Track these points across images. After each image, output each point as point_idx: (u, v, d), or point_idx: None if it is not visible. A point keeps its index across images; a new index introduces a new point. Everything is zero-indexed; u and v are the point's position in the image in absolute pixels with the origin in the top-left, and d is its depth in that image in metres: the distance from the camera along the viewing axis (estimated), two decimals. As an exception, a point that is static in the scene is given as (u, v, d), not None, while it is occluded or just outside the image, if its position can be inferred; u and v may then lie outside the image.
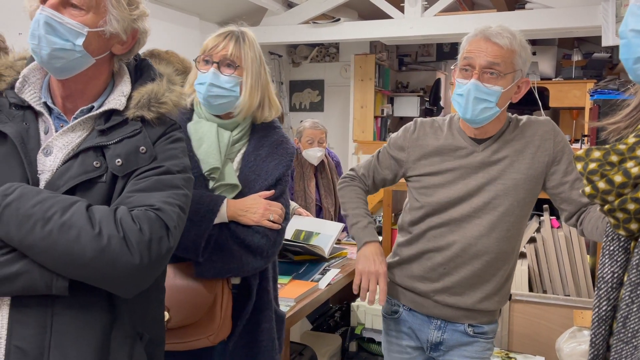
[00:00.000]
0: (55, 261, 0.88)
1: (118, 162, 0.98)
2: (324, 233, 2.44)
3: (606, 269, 0.71)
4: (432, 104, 6.34)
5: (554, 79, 5.05)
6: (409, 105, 6.33)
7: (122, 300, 0.97)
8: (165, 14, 4.38)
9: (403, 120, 6.40)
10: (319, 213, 3.05)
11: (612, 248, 0.71)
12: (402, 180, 1.70)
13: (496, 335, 2.34)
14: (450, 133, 1.57)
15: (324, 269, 2.30)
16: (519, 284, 2.42)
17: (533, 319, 2.39)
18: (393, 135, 1.69)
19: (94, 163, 0.97)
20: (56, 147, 0.99)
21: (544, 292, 2.44)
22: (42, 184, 0.96)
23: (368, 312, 2.60)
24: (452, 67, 1.54)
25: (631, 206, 0.65)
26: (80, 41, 0.97)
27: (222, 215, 1.39)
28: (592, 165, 0.69)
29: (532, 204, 1.56)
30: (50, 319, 0.92)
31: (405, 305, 1.64)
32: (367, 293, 1.53)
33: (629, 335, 0.65)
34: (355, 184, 1.71)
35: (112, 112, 1.03)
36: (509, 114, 1.58)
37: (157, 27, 4.55)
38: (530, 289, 2.46)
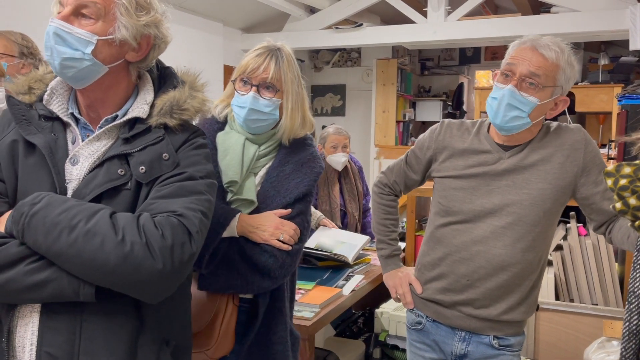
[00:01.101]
0: (81, 268, 0.90)
1: (142, 169, 0.99)
2: (349, 242, 2.45)
3: (637, 283, 0.70)
4: (455, 108, 6.30)
5: (580, 83, 4.97)
6: (431, 110, 6.30)
7: (148, 307, 0.98)
8: (189, 20, 4.44)
9: (425, 124, 6.37)
10: (344, 218, 3.06)
11: None
12: (426, 185, 1.70)
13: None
14: (477, 137, 1.55)
15: (347, 275, 2.30)
16: (545, 293, 2.39)
17: (560, 328, 2.35)
18: (420, 136, 1.69)
19: (119, 171, 0.98)
20: (82, 156, 1.01)
21: (571, 300, 2.40)
22: (69, 193, 0.98)
23: (392, 319, 2.58)
24: (494, 71, 1.52)
25: None
26: (89, 50, 0.98)
27: (232, 230, 1.37)
28: (623, 182, 0.68)
29: (558, 213, 1.52)
30: (79, 326, 0.94)
31: (429, 316, 1.62)
32: (404, 292, 1.68)
33: None
34: (386, 196, 1.75)
35: (135, 121, 1.04)
36: (548, 120, 1.54)
37: (181, 33, 4.64)
38: (557, 298, 2.42)
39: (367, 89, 6.10)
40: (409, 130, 6.26)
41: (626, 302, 0.71)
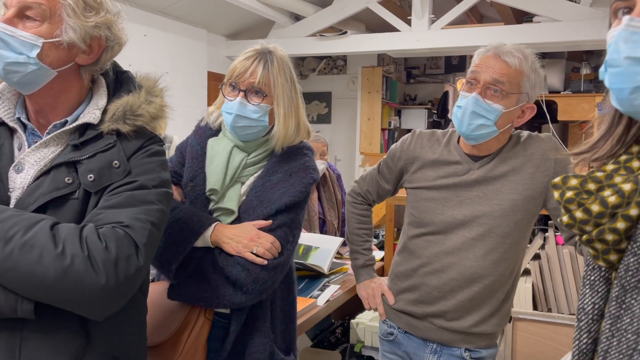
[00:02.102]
0: (18, 283, 0.85)
1: (90, 177, 0.95)
2: (323, 247, 2.41)
3: (587, 300, 0.67)
4: (440, 116, 6.31)
5: (562, 92, 5.00)
6: (416, 118, 6.31)
7: (96, 323, 0.93)
8: (172, 26, 4.41)
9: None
10: (323, 226, 3.02)
11: (592, 278, 0.68)
12: (405, 194, 1.67)
13: (499, 355, 2.29)
14: (447, 148, 1.53)
15: (323, 285, 2.27)
16: (522, 302, 2.37)
17: (537, 338, 2.33)
18: (392, 146, 1.67)
19: (66, 179, 0.94)
20: (28, 163, 0.96)
21: (549, 310, 2.38)
22: (12, 202, 0.94)
23: (367, 329, 2.55)
24: (456, 79, 1.51)
25: (609, 237, 0.62)
26: (34, 53, 0.93)
27: (206, 240, 1.31)
28: (569, 194, 0.65)
29: (530, 224, 1.50)
30: (18, 344, 0.89)
31: (401, 327, 1.60)
32: (376, 304, 1.66)
33: None
34: (359, 205, 1.75)
35: (87, 127, 1.00)
36: (518, 130, 1.53)
37: (164, 39, 4.60)
38: (535, 307, 2.40)
39: (353, 96, 6.10)
40: (394, 138, 6.25)
41: (576, 320, 0.69)
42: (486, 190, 1.46)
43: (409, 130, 7.17)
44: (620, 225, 0.61)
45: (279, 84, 1.34)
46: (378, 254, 2.73)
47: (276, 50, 1.38)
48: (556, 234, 2.42)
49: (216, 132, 1.45)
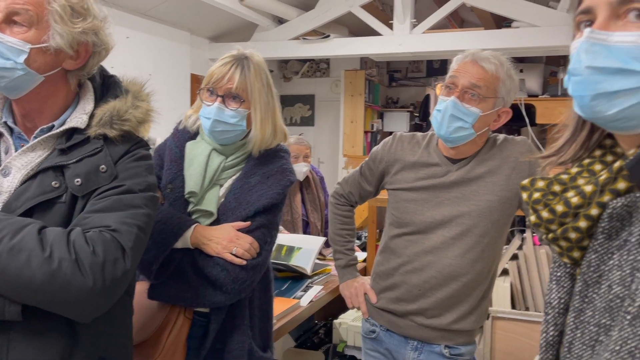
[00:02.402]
0: (6, 286, 0.86)
1: (77, 181, 0.96)
2: (306, 248, 2.44)
3: (553, 295, 0.71)
4: (422, 119, 6.38)
5: (540, 96, 5.09)
6: (398, 121, 6.37)
7: (83, 325, 0.95)
8: (155, 28, 4.40)
9: (393, 135, 6.43)
10: (306, 228, 3.05)
11: (558, 274, 0.72)
12: (386, 196, 1.72)
13: (479, 353, 2.34)
14: (427, 150, 1.58)
15: (306, 286, 2.30)
16: (501, 301, 2.43)
17: (515, 337, 2.38)
18: (374, 148, 1.71)
19: (53, 183, 0.95)
20: (15, 167, 0.97)
21: (527, 309, 2.44)
22: None
23: (350, 329, 2.59)
24: (435, 84, 1.56)
25: (572, 235, 0.66)
26: (22, 59, 0.94)
27: (186, 241, 1.34)
28: (536, 195, 0.69)
29: (507, 225, 1.56)
30: (6, 346, 0.90)
31: (383, 325, 1.64)
32: (359, 302, 1.69)
33: (574, 359, 0.66)
34: (342, 206, 1.78)
35: (73, 131, 1.01)
36: (495, 134, 1.59)
37: (146, 41, 4.58)
38: (513, 306, 2.46)
39: (336, 99, 6.14)
40: (377, 140, 6.31)
41: (543, 314, 0.73)
42: (464, 191, 1.50)
43: (391, 133, 7.22)
44: (582, 224, 0.65)
45: (255, 89, 1.38)
46: (361, 255, 2.77)
47: (253, 56, 1.41)
48: (533, 234, 2.48)
49: (194, 135, 1.48)
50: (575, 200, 0.65)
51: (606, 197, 0.63)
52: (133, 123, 1.04)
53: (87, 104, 1.04)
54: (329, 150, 6.21)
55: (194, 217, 1.40)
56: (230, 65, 1.38)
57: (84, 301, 0.88)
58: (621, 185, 0.63)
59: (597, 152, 0.70)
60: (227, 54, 1.42)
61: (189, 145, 1.45)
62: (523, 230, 2.56)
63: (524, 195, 0.71)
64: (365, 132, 6.02)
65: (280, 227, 2.71)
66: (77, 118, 1.02)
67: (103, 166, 0.98)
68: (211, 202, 1.39)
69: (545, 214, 0.68)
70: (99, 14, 1.03)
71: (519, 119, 4.34)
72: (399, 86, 6.81)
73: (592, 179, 0.66)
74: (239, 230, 1.36)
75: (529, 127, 4.48)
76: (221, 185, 1.43)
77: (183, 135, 1.48)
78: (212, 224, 1.39)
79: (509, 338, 2.39)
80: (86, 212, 0.95)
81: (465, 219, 1.49)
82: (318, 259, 2.54)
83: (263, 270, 1.42)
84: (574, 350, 0.66)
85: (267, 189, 1.39)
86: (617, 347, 0.57)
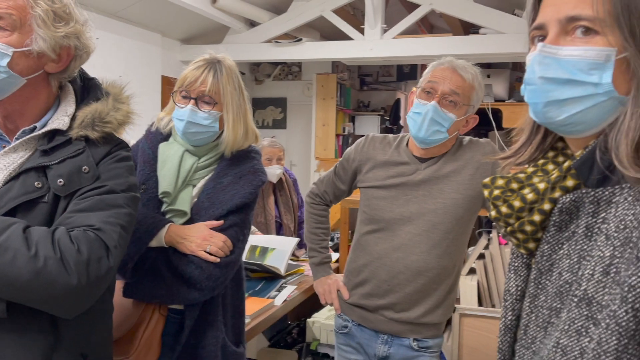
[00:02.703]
0: None
1: (60, 182, 0.97)
2: (279, 249, 2.48)
3: (511, 283, 0.78)
4: (392, 123, 6.49)
5: (507, 101, 5.25)
6: (369, 124, 6.46)
7: (65, 321, 0.96)
8: (125, 30, 4.37)
9: (364, 138, 6.51)
10: (279, 229, 3.09)
11: (516, 264, 0.79)
12: (358, 197, 1.78)
13: (447, 349, 2.41)
14: (397, 150, 1.65)
15: (280, 286, 2.34)
16: (468, 299, 2.51)
17: (482, 333, 2.47)
18: (347, 149, 1.78)
19: (35, 183, 0.97)
20: None
21: (493, 306, 2.52)
22: None
23: (323, 327, 2.63)
24: (413, 89, 1.62)
25: (528, 228, 0.73)
26: (5, 62, 0.95)
27: (160, 240, 1.37)
28: (496, 192, 0.76)
29: (471, 222, 1.64)
30: None
31: (355, 320, 1.70)
32: (332, 299, 1.73)
33: (529, 341, 0.72)
34: (317, 205, 1.84)
35: (55, 132, 1.03)
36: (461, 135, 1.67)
37: (117, 43, 4.54)
38: (480, 304, 2.54)
39: (308, 102, 6.19)
40: (349, 143, 6.38)
41: (502, 301, 0.80)
42: (431, 189, 1.58)
43: (362, 136, 7.27)
44: (537, 217, 0.72)
45: (228, 92, 1.43)
46: (333, 256, 2.82)
47: (225, 60, 1.46)
48: (499, 234, 2.57)
49: (167, 137, 1.51)
50: (530, 196, 0.72)
51: (557, 194, 0.70)
52: (114, 125, 1.07)
53: (68, 106, 1.06)
54: (301, 153, 6.26)
55: (167, 216, 1.43)
56: (203, 68, 1.42)
57: (68, 298, 0.90)
58: (570, 182, 0.69)
59: (550, 154, 0.77)
60: (200, 58, 1.46)
61: (162, 146, 1.48)
62: (489, 231, 2.65)
63: (486, 192, 0.78)
64: (337, 135, 6.09)
65: (254, 229, 2.75)
66: (59, 120, 1.03)
67: (85, 167, 1.01)
68: (184, 201, 1.43)
69: (504, 209, 0.74)
70: (80, 18, 1.05)
71: (486, 123, 4.47)
72: (370, 90, 6.91)
73: (545, 177, 0.73)
74: (212, 229, 1.40)
75: (495, 131, 4.62)
76: (194, 186, 1.46)
77: (156, 137, 1.51)
78: (185, 223, 1.43)
79: (476, 334, 2.48)
80: (69, 211, 0.97)
81: (432, 215, 1.57)
82: (291, 259, 2.58)
83: (236, 268, 1.47)
84: (529, 332, 0.72)
85: (240, 188, 1.43)
86: (566, 327, 0.64)
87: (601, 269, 0.62)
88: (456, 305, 2.43)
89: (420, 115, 1.52)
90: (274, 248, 2.47)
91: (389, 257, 1.60)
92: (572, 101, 0.67)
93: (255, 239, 2.55)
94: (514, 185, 0.75)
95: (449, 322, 1.89)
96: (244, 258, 2.39)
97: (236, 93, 1.45)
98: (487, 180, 0.79)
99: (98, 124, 1.04)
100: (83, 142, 1.03)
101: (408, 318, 1.61)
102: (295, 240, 2.55)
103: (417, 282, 1.58)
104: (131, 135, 2.12)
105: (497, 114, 4.95)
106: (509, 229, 0.75)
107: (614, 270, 0.60)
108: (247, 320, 1.91)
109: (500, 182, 0.77)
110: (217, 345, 1.44)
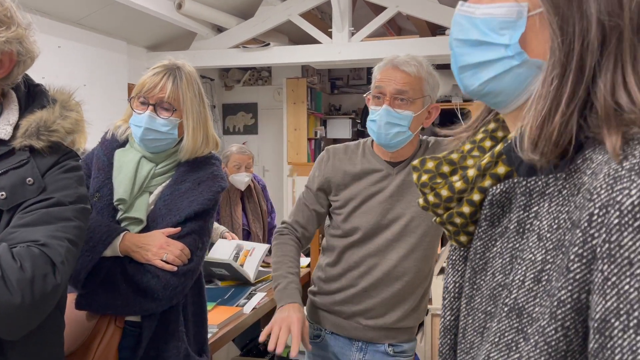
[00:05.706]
0: None
1: (2, 195, 0.93)
2: (250, 254, 2.45)
3: (449, 279, 0.70)
4: (363, 125, 6.50)
5: (475, 100, 5.30)
6: (341, 127, 6.46)
7: (11, 343, 0.92)
8: (90, 38, 4.28)
9: (337, 141, 6.51)
10: (248, 238, 3.04)
11: (454, 258, 0.70)
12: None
13: (420, 350, 2.41)
14: (365, 158, 1.61)
15: (249, 294, 2.30)
16: (440, 299, 2.51)
17: (455, 333, 2.47)
18: (310, 173, 1.70)
19: None
20: None
21: (465, 306, 2.54)
22: None
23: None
24: (364, 96, 1.60)
25: (457, 220, 0.65)
26: None
27: (115, 249, 1.33)
28: (424, 177, 0.68)
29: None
30: None
31: (328, 329, 1.66)
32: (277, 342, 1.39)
33: (468, 345, 0.65)
34: (284, 237, 1.66)
35: None
36: (425, 136, 1.66)
37: (81, 51, 4.45)
38: (452, 304, 2.54)
39: (279, 107, 6.16)
40: (321, 147, 6.37)
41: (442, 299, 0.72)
42: (406, 194, 1.56)
43: (335, 140, 7.26)
44: (466, 209, 0.64)
45: (187, 98, 1.40)
46: (304, 261, 2.79)
47: (184, 66, 1.43)
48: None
49: (123, 144, 1.47)
50: (459, 184, 0.64)
51: (487, 182, 0.62)
52: (61, 133, 1.02)
53: (11, 115, 1.01)
54: (274, 158, 6.22)
55: (122, 224, 1.39)
56: (162, 74, 1.39)
57: (12, 318, 0.86)
58: (501, 169, 0.61)
59: (491, 126, 0.69)
60: (159, 64, 1.43)
61: (118, 152, 1.44)
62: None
63: (414, 177, 0.69)
64: (309, 140, 6.07)
65: (227, 232, 2.70)
66: (1, 129, 0.99)
67: (30, 179, 0.96)
68: (140, 209, 1.39)
69: (431, 198, 0.66)
70: (23, 21, 1.00)
71: (455, 123, 4.51)
72: (341, 93, 6.91)
73: (477, 161, 0.65)
74: (169, 236, 1.36)
75: (464, 131, 4.66)
76: (151, 193, 1.43)
77: (111, 144, 1.47)
78: (142, 231, 1.38)
79: (449, 334, 2.47)
80: (12, 226, 0.92)
81: (407, 220, 1.55)
82: (262, 266, 2.54)
83: (195, 276, 1.43)
84: (467, 336, 0.65)
85: (198, 195, 1.40)
86: (496, 339, 0.57)
87: (532, 276, 0.54)
88: (429, 307, 2.43)
89: (376, 122, 1.51)
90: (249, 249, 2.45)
91: (366, 265, 1.57)
92: (484, 66, 0.59)
93: (224, 246, 2.51)
94: (445, 169, 0.67)
95: (421, 324, 1.88)
96: (226, 257, 2.33)
97: (196, 100, 1.42)
98: (416, 162, 0.70)
99: (44, 132, 1.00)
100: (27, 153, 0.99)
101: (384, 324, 1.58)
102: (265, 247, 2.52)
103: (394, 287, 1.56)
104: (94, 143, 2.06)
105: (467, 114, 5.00)
106: (438, 219, 0.67)
107: (546, 277, 0.53)
108: (214, 330, 1.87)
109: (430, 164, 0.68)
110: (179, 356, 1.39)
